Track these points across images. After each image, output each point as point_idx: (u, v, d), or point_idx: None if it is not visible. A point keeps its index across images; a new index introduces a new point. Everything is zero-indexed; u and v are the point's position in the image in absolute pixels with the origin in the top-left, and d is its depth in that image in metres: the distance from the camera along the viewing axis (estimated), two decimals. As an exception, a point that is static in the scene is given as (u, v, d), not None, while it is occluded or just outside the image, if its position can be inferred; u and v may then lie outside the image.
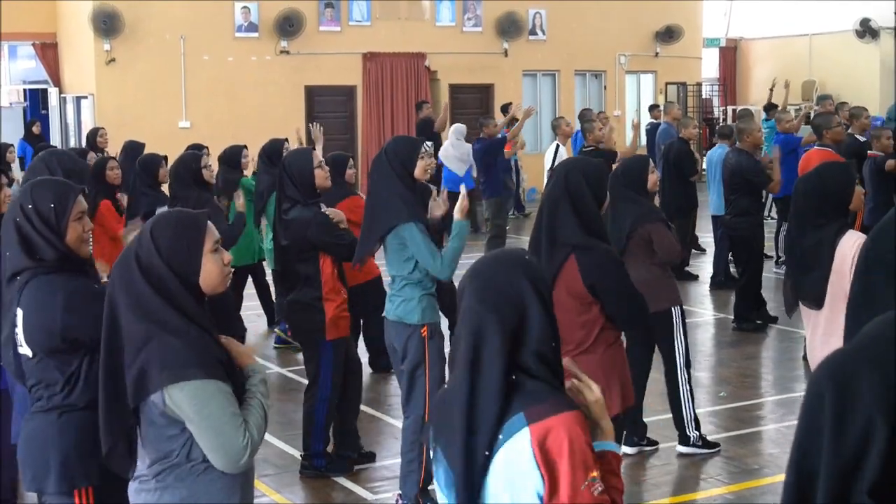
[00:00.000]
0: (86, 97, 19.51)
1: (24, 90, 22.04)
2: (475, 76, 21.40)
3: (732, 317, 10.28)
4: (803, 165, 9.94)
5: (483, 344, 2.42)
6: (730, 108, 26.13)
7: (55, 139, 20.03)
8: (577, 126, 15.33)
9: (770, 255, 12.42)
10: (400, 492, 5.83)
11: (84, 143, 13.87)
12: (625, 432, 6.44)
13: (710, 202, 12.51)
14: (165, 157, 8.61)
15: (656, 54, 23.69)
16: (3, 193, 5.64)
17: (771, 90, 17.71)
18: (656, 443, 6.81)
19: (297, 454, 6.62)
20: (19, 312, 3.71)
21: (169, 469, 3.09)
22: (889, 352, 1.83)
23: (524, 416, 2.37)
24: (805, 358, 8.42)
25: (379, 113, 20.56)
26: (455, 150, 15.46)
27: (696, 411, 6.71)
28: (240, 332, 7.86)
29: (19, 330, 3.72)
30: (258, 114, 18.89)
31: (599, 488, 2.37)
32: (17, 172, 14.01)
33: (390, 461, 6.52)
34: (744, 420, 7.49)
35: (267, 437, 6.49)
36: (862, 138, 11.00)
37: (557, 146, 13.73)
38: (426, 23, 20.98)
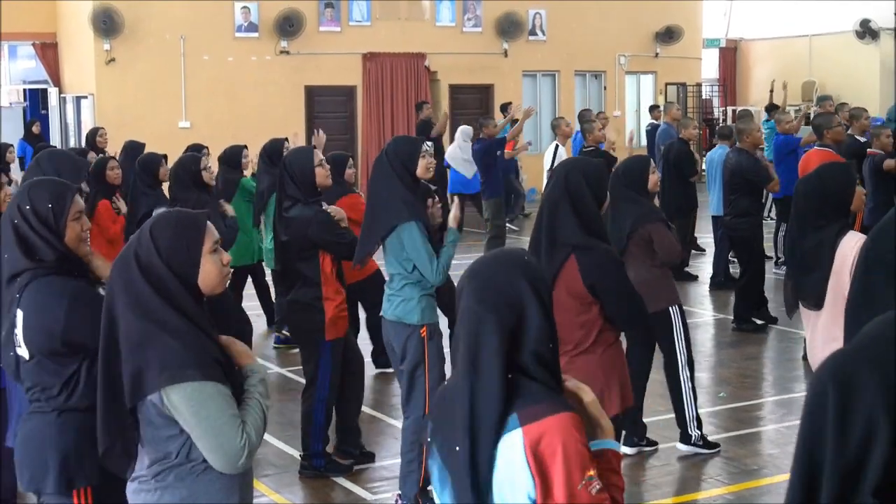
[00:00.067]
0: (86, 97, 19.52)
1: (24, 90, 22.04)
2: (475, 76, 21.40)
3: (732, 317, 10.28)
4: (803, 166, 9.94)
5: (481, 344, 2.42)
6: (729, 109, 26.14)
7: (55, 139, 20.04)
8: (576, 126, 15.33)
9: (769, 255, 12.42)
10: (399, 492, 5.83)
11: (84, 143, 13.87)
12: (624, 433, 6.45)
13: (710, 203, 12.52)
14: (165, 156, 8.60)
15: (656, 55, 23.69)
16: (3, 193, 5.63)
17: (771, 91, 17.73)
18: (656, 443, 6.81)
19: (297, 454, 6.62)
20: (19, 313, 3.70)
21: (168, 469, 3.09)
22: (889, 352, 1.83)
23: (518, 417, 2.37)
24: (805, 358, 8.41)
25: (379, 113, 20.57)
26: (462, 152, 15.46)
27: (699, 411, 6.73)
28: (247, 332, 7.85)
29: (18, 331, 3.71)
30: (258, 114, 18.89)
31: (597, 487, 2.37)
32: (16, 173, 14.00)
33: (390, 461, 6.52)
34: (743, 420, 7.49)
35: (266, 437, 6.50)
36: (862, 139, 11.00)
37: (557, 146, 13.73)
38: (426, 23, 20.98)
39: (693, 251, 13.59)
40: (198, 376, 2.99)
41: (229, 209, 7.93)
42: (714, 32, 27.01)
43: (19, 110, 22.07)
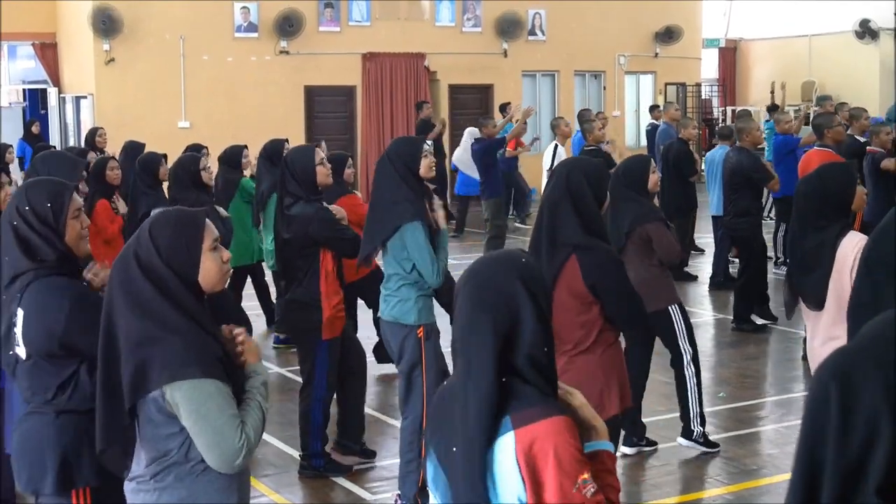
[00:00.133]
0: (85, 97, 19.51)
1: (24, 90, 22.04)
2: (475, 76, 21.40)
3: (732, 317, 10.27)
4: (803, 166, 9.94)
5: (474, 346, 2.42)
6: (729, 109, 26.14)
7: (54, 139, 20.03)
8: (576, 126, 15.33)
9: (769, 255, 12.42)
10: (399, 492, 5.84)
11: (83, 143, 13.87)
12: (624, 433, 6.44)
13: (710, 203, 12.52)
14: (165, 156, 8.61)
15: (656, 55, 23.69)
16: (3, 192, 5.63)
17: (773, 93, 17.74)
18: (655, 443, 6.81)
19: (296, 454, 6.62)
20: (20, 312, 3.70)
21: (167, 469, 3.08)
22: (890, 351, 1.82)
23: (511, 420, 2.38)
24: (805, 358, 8.42)
25: (378, 113, 20.56)
26: (469, 154, 15.44)
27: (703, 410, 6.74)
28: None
29: (18, 330, 3.71)
30: (258, 114, 18.89)
31: (592, 489, 2.37)
32: (15, 173, 14.00)
33: (390, 461, 6.52)
34: (743, 420, 7.49)
35: (266, 436, 6.50)
36: (862, 139, 11.00)
37: (556, 146, 13.74)
38: (426, 23, 20.98)
39: (692, 251, 13.59)
40: (199, 374, 2.99)
41: (222, 211, 7.94)
42: (714, 32, 27.01)
43: (19, 110, 22.07)
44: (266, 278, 10.14)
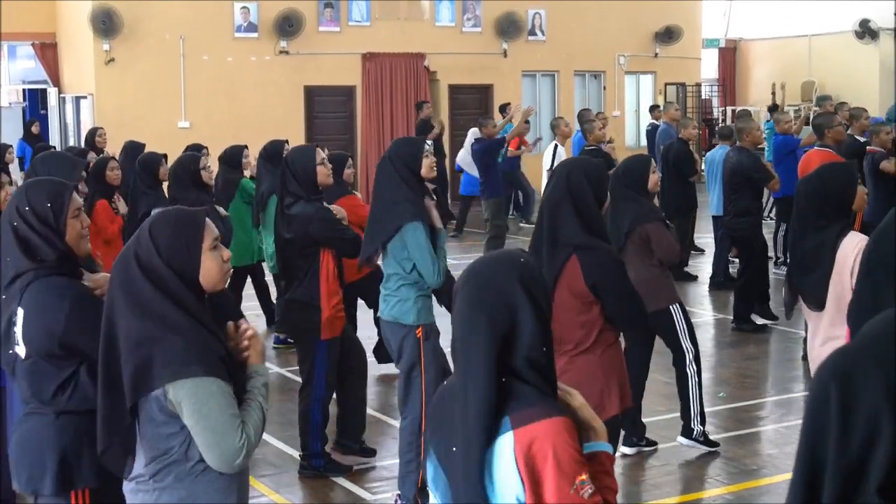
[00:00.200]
0: (85, 97, 19.50)
1: (24, 90, 22.04)
2: (474, 76, 21.40)
3: (732, 317, 10.27)
4: (803, 166, 9.94)
5: (472, 346, 2.42)
6: (729, 109, 26.14)
7: (54, 139, 20.03)
8: (576, 126, 15.33)
9: (770, 255, 12.42)
10: (399, 492, 5.84)
11: (83, 143, 13.87)
12: (624, 433, 6.44)
13: (710, 203, 12.52)
14: (165, 156, 8.61)
15: (656, 55, 23.68)
16: (4, 192, 5.62)
17: (774, 94, 17.74)
18: (655, 443, 6.81)
19: (296, 454, 6.63)
20: (20, 311, 3.70)
21: (167, 468, 3.08)
22: (890, 350, 1.82)
23: (510, 420, 2.38)
24: (804, 358, 8.43)
25: (378, 113, 20.56)
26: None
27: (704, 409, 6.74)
28: None
29: (18, 329, 3.71)
30: (258, 114, 18.89)
31: (590, 490, 2.37)
32: (15, 173, 14.00)
33: (390, 461, 6.52)
34: (743, 420, 7.49)
35: (265, 436, 6.50)
36: (862, 139, 11.00)
37: (556, 146, 13.74)
38: (425, 23, 20.97)
39: (692, 251, 13.59)
40: (201, 372, 2.99)
41: (221, 210, 7.94)
42: (713, 32, 27.01)
43: (18, 110, 22.07)
44: (266, 278, 10.14)
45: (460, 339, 2.46)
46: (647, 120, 20.88)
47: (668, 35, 23.41)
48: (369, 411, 7.45)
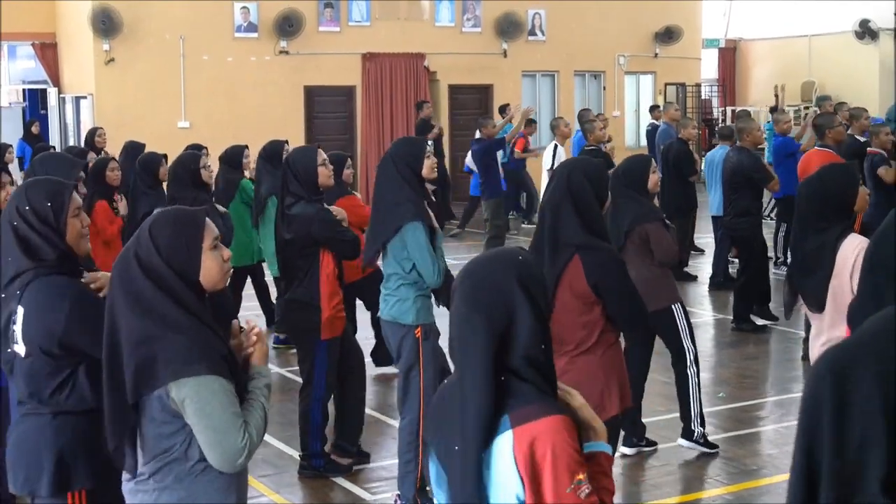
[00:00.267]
0: (85, 97, 19.50)
1: (24, 90, 22.04)
2: (474, 77, 21.39)
3: (732, 317, 10.27)
4: (804, 166, 9.94)
5: (469, 344, 2.42)
6: (729, 109, 26.13)
7: (54, 139, 20.03)
8: (576, 126, 15.33)
9: (770, 255, 12.42)
10: (398, 492, 5.83)
11: (83, 144, 13.87)
12: (624, 433, 6.44)
13: (710, 203, 12.52)
14: (165, 156, 8.60)
15: (655, 55, 23.68)
16: (4, 192, 5.62)
17: (776, 95, 17.72)
18: (655, 443, 6.80)
19: (296, 454, 6.62)
20: (20, 310, 3.69)
21: (167, 467, 3.08)
22: (889, 347, 1.82)
23: (509, 419, 2.37)
24: (804, 358, 8.44)
25: (378, 113, 20.55)
26: None
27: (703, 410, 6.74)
28: None
29: (17, 328, 3.70)
30: (258, 114, 18.88)
31: (587, 490, 2.37)
32: (15, 173, 13.99)
33: (389, 461, 6.51)
34: (743, 421, 7.49)
35: (266, 436, 6.48)
36: (862, 139, 11.01)
37: (556, 146, 13.74)
38: (425, 23, 20.97)
39: (692, 251, 13.59)
40: (204, 370, 2.99)
41: (220, 209, 7.93)
42: (713, 32, 27.00)
43: (18, 110, 22.07)
44: (266, 278, 10.14)
45: (458, 337, 2.46)
46: (646, 120, 20.88)
47: (668, 35, 23.41)
48: (368, 411, 7.46)
